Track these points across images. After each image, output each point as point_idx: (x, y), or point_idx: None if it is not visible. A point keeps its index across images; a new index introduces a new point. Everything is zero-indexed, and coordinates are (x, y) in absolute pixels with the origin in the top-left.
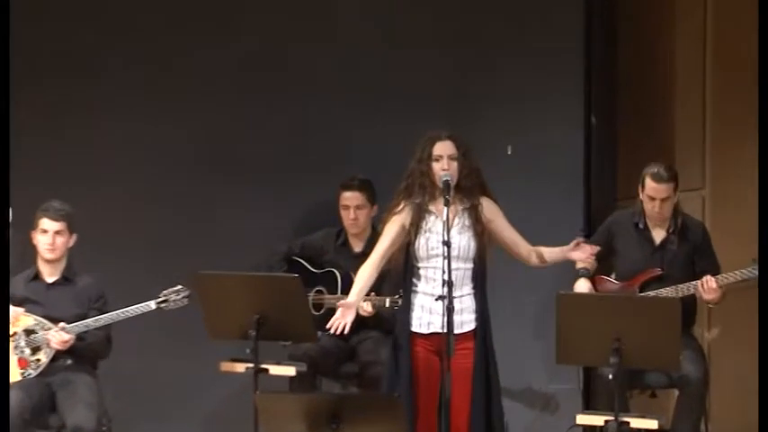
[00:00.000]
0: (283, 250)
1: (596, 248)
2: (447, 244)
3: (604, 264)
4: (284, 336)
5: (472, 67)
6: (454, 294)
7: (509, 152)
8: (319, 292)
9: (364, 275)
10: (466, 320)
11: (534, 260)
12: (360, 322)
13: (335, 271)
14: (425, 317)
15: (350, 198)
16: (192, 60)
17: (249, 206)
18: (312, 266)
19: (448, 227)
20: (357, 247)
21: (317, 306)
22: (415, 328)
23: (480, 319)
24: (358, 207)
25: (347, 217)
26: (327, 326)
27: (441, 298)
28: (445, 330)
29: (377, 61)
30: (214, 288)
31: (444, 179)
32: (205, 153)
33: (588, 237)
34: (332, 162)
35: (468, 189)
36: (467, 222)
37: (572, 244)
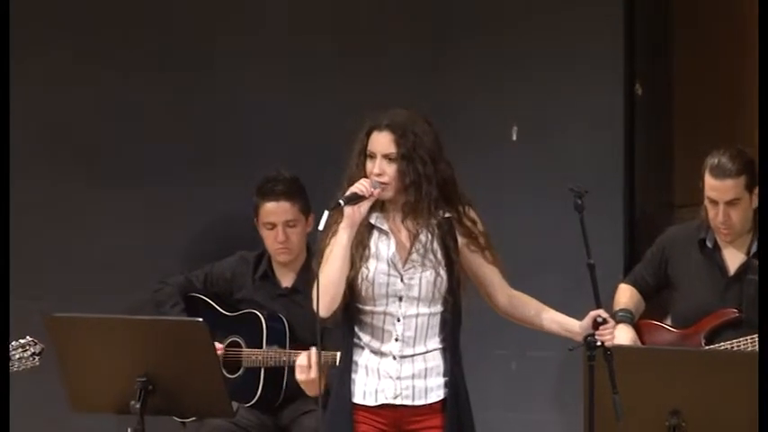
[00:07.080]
0: (178, 282)
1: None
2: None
3: (656, 302)
4: (183, 409)
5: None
6: (414, 351)
7: (514, 136)
8: (235, 344)
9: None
10: (432, 386)
11: (518, 314)
12: (296, 389)
13: (258, 313)
14: (372, 382)
15: (275, 212)
16: None
17: (128, 215)
18: (222, 307)
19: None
20: (286, 280)
21: (232, 365)
22: (357, 398)
23: (452, 384)
24: (289, 224)
25: (274, 240)
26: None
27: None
28: (403, 401)
29: None
30: (77, 337)
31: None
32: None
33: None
34: (239, 150)
35: (415, 206)
36: (431, 246)
37: (588, 318)
